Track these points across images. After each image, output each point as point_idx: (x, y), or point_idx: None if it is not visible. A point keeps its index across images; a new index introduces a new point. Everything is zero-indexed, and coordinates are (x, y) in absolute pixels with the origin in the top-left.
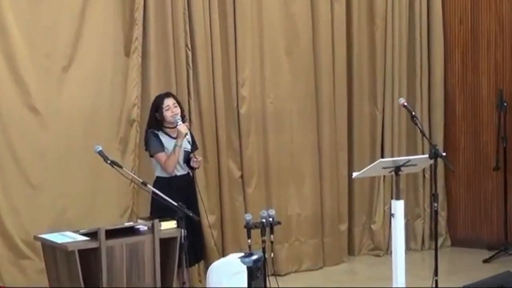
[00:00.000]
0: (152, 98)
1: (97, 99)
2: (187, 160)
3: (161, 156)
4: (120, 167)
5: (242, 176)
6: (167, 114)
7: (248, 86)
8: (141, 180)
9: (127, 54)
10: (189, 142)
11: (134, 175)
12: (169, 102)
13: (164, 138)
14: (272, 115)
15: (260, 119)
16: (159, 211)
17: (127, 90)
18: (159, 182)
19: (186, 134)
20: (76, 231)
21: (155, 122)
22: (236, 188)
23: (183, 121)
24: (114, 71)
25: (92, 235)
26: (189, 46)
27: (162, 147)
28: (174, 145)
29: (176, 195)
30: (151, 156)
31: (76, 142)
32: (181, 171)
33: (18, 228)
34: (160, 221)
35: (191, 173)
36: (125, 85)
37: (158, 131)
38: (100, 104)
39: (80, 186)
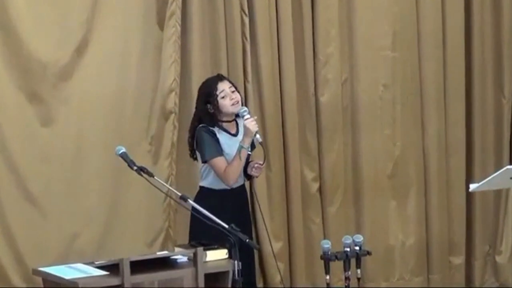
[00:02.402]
0: (195, 82)
1: (120, 84)
2: (246, 168)
3: (221, 162)
4: (151, 175)
5: (320, 189)
6: (225, 103)
7: (333, 66)
8: (180, 194)
9: (161, 22)
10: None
11: (170, 187)
12: (224, 86)
13: (222, 137)
14: (365, 105)
15: (348, 111)
16: (202, 235)
17: (161, 71)
18: (207, 196)
19: (257, 132)
20: (90, 263)
21: (208, 116)
22: (312, 205)
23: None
24: (144, 45)
25: (112, 268)
26: (246, 10)
27: (219, 149)
28: (239, 147)
29: (231, 214)
30: (205, 161)
31: (92, 141)
32: (239, 181)
33: (12, 258)
34: (206, 249)
35: (254, 190)
36: (158, 64)
37: (213, 126)
38: (124, 90)
39: (96, 202)
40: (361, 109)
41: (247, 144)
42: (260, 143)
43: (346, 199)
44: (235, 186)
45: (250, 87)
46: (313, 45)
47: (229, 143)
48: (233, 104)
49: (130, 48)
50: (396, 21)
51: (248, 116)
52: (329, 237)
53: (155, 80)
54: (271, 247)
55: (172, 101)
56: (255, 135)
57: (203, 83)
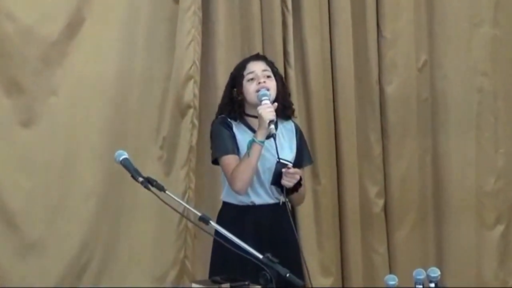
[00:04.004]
0: (220, 66)
1: (124, 70)
2: (278, 179)
3: (230, 160)
4: (162, 189)
5: (386, 208)
6: (249, 88)
7: (404, 46)
8: (199, 214)
9: None
10: (291, 148)
11: (187, 205)
12: (255, 67)
13: (240, 133)
14: (453, 98)
15: (427, 106)
16: (227, 267)
17: (176, 52)
18: (225, 213)
19: (272, 121)
20: None
21: (231, 104)
22: (374, 229)
23: (272, 101)
24: (154, 18)
25: None
26: None
27: (234, 146)
28: (250, 142)
29: (256, 239)
30: (214, 161)
31: (86, 146)
32: (264, 197)
33: None
34: (233, 286)
35: (287, 203)
36: (172, 43)
37: (235, 120)
38: (128, 78)
39: (91, 225)
40: (447, 103)
41: (260, 137)
42: (273, 135)
43: (421, 222)
44: (259, 202)
45: (292, 73)
46: (377, 17)
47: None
48: (258, 90)
49: (136, 23)
50: None
51: (266, 101)
52: (396, 271)
53: (169, 64)
54: (310, 282)
55: (191, 92)
56: (269, 125)
57: (237, 64)
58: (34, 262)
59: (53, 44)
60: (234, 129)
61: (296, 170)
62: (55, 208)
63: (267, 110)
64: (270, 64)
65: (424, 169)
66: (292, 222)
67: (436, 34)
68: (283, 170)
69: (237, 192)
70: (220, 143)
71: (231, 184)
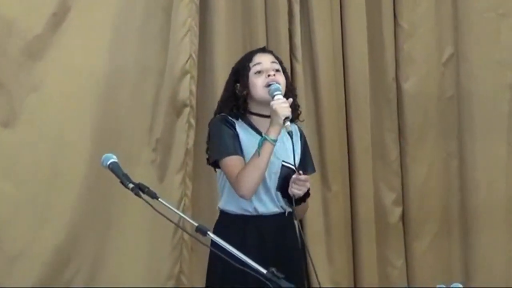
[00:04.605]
0: (220, 59)
1: (114, 64)
2: (284, 186)
3: (234, 161)
4: (155, 197)
5: (403, 218)
6: (257, 82)
7: (424, 37)
8: (196, 224)
9: None
10: (295, 152)
11: (183, 214)
12: (263, 59)
13: (244, 133)
14: (482, 96)
15: (453, 105)
16: (225, 280)
17: (171, 44)
18: (223, 224)
19: (287, 118)
20: None
21: (232, 101)
22: (391, 240)
23: (287, 97)
24: (147, 9)
25: None
26: None
27: (236, 147)
28: (261, 140)
29: (259, 251)
30: (214, 163)
31: (73, 148)
32: (269, 204)
33: None
34: None
35: (294, 213)
36: (166, 34)
37: (237, 118)
38: (118, 74)
39: (78, 235)
40: (474, 101)
41: (273, 135)
42: (289, 133)
43: (444, 232)
44: (261, 210)
45: (299, 67)
46: (394, 5)
47: (254, 144)
48: (268, 85)
49: (127, 13)
50: None
51: (279, 96)
52: (415, 285)
53: (162, 58)
54: None
55: (187, 89)
56: (284, 122)
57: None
58: (18, 277)
59: (36, 36)
60: (237, 128)
61: (307, 177)
62: (38, 219)
63: (283, 106)
64: (278, 60)
65: (448, 174)
66: (301, 233)
67: (460, 24)
68: (293, 176)
69: (242, 197)
70: (221, 143)
71: (235, 188)
